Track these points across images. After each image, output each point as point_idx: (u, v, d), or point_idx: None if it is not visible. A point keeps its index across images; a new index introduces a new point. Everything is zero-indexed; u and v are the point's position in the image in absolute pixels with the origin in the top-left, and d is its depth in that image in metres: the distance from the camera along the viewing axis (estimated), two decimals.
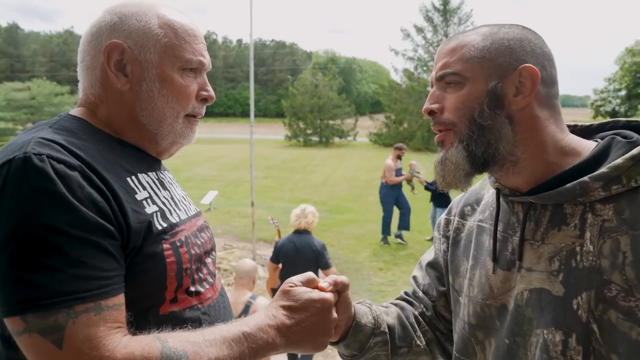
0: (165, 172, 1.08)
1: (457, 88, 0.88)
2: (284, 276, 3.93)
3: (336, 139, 33.98)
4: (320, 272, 3.91)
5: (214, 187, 12.66)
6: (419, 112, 30.60)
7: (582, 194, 0.81)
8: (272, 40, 76.10)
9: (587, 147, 0.88)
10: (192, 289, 0.94)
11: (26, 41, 65.86)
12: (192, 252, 0.95)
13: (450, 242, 1.09)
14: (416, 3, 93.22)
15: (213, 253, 1.06)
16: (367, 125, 37.03)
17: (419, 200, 9.76)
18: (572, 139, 0.89)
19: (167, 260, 0.88)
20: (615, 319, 0.76)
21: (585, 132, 0.97)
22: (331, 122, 34.01)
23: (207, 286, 0.99)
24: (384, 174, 8.32)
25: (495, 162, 0.88)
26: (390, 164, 8.25)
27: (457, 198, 1.14)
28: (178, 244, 0.92)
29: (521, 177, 0.89)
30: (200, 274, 0.98)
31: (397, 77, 34.36)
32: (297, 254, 3.89)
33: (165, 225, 0.91)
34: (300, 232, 4.02)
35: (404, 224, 8.46)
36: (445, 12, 32.35)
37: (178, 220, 0.96)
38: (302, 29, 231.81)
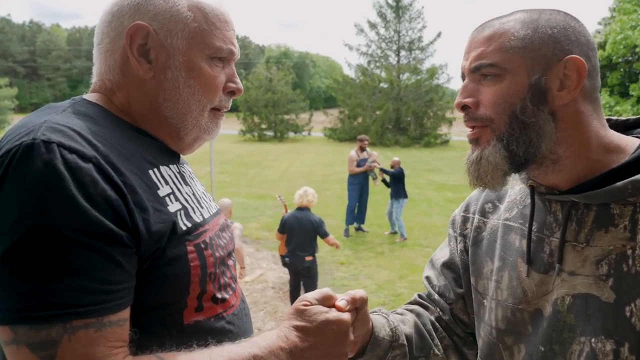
0: (185, 165, 0.99)
1: (495, 81, 0.80)
2: (289, 243, 4.85)
3: (291, 134, 33.85)
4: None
5: None
6: (373, 107, 31.04)
7: (635, 193, 0.75)
8: None
9: (630, 144, 0.83)
10: (218, 295, 0.86)
11: None
12: (217, 254, 0.87)
13: (470, 241, 1.03)
14: None
15: (233, 255, 0.98)
16: (322, 120, 37.10)
17: (376, 194, 9.88)
18: (614, 135, 0.84)
19: (192, 264, 0.80)
20: None
21: (621, 127, 0.91)
22: (286, 116, 33.84)
23: (231, 292, 0.91)
24: (348, 165, 8.72)
25: (534, 160, 0.82)
26: (353, 155, 8.61)
27: (475, 194, 1.07)
28: (202, 245, 0.83)
29: (561, 176, 0.83)
30: (225, 279, 0.90)
31: (350, 73, 34.61)
32: (300, 226, 4.80)
33: (189, 225, 0.82)
34: (302, 209, 4.92)
35: (361, 217, 8.71)
36: (398, 8, 32.81)
37: (202, 219, 0.87)
38: (254, 22, 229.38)
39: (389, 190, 8.53)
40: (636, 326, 0.73)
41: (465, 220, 1.06)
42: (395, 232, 8.53)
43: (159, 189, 0.80)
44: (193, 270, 0.80)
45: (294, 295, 4.98)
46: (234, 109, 39.12)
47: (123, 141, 0.79)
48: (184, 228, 0.81)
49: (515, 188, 0.98)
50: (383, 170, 8.44)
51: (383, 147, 27.87)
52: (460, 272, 1.06)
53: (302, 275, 4.87)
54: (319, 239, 4.99)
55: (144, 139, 0.86)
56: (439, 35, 33.03)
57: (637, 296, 0.74)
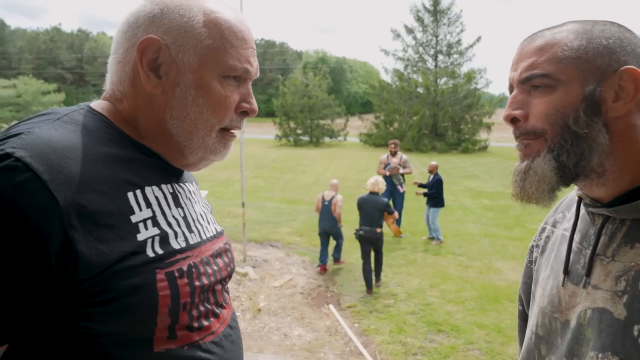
0: (186, 184, 0.95)
1: (547, 92, 0.79)
2: (361, 219, 6.31)
3: (326, 139, 33.91)
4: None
5: (204, 187, 12.54)
6: (409, 113, 30.73)
7: None
8: (262, 40, 76.00)
9: None
10: (195, 324, 0.82)
11: (12, 38, 64.97)
12: (197, 283, 0.82)
13: (540, 250, 1.02)
14: (406, 3, 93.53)
15: (227, 279, 0.94)
16: (357, 126, 37.01)
17: (409, 201, 9.74)
18: None
19: (160, 293, 0.76)
20: None
21: None
22: (321, 122, 33.93)
23: (213, 319, 0.87)
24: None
25: (584, 173, 0.80)
26: (382, 158, 9.12)
27: (558, 203, 1.05)
28: (177, 274, 0.79)
29: (605, 189, 0.81)
30: (206, 305, 0.85)
31: (387, 78, 34.45)
32: (371, 205, 6.31)
33: (161, 252, 0.78)
34: (373, 193, 6.45)
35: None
36: (436, 12, 32.40)
37: (184, 245, 0.83)
38: (292, 28, 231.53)
39: (421, 195, 8.50)
40: None
41: (542, 230, 1.05)
42: (433, 237, 8.41)
43: (133, 213, 0.77)
44: (161, 300, 0.76)
45: (366, 260, 6.17)
46: (271, 114, 39.59)
47: (108, 159, 0.77)
48: (152, 255, 0.77)
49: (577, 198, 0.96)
50: (421, 185, 8.54)
51: (419, 153, 27.54)
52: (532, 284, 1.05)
53: (373, 245, 6.20)
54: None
55: (139, 155, 0.83)
56: (478, 39, 32.45)
57: None
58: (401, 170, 8.82)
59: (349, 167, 19.41)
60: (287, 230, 9.18)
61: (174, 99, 0.83)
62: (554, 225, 1.00)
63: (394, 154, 8.99)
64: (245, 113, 0.90)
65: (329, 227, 6.80)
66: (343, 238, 6.98)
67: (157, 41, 0.81)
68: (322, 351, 4.56)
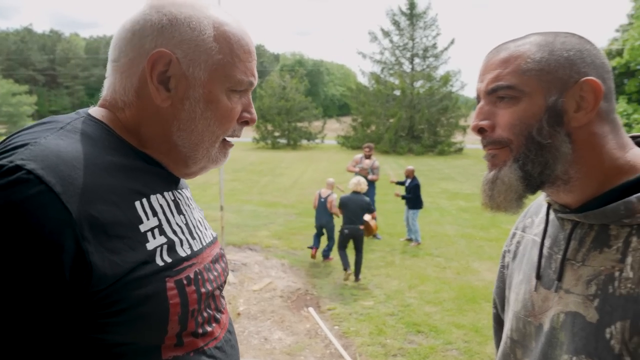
0: (183, 190, 0.95)
1: (512, 103, 0.81)
2: (345, 217, 6.69)
3: (304, 142, 33.93)
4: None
5: None
6: (386, 115, 30.98)
7: (628, 215, 0.75)
8: None
9: None
10: (200, 330, 0.83)
11: None
12: (202, 290, 0.82)
13: (512, 256, 1.04)
14: (383, 7, 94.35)
15: (224, 284, 0.95)
16: (335, 128, 37.11)
17: (388, 203, 9.82)
18: (634, 155, 0.82)
19: (171, 302, 0.76)
20: None
21: None
22: (299, 124, 33.96)
23: (215, 324, 0.88)
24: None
25: (550, 181, 0.82)
26: (356, 157, 9.34)
27: (526, 209, 1.07)
28: (185, 282, 0.79)
29: (572, 195, 0.84)
30: (209, 311, 0.86)
31: (364, 80, 34.66)
32: (354, 204, 6.72)
33: (170, 260, 0.78)
34: (357, 193, 6.85)
35: None
36: (412, 16, 32.78)
37: (189, 252, 0.83)
38: (269, 30, 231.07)
39: (401, 199, 8.62)
40: (614, 349, 0.74)
41: (512, 236, 1.07)
42: (411, 239, 8.48)
43: (142, 222, 0.77)
44: (172, 308, 0.76)
45: (342, 254, 6.64)
46: None
47: (114, 169, 0.77)
48: (161, 264, 0.77)
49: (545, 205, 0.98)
50: (399, 183, 8.73)
51: (396, 155, 27.76)
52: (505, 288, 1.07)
53: (355, 241, 6.59)
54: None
55: (140, 164, 0.83)
56: (452, 42, 32.94)
57: (618, 319, 0.74)
58: (370, 176, 8.96)
59: (327, 169, 19.44)
60: (266, 233, 9.14)
61: (182, 112, 0.83)
62: (523, 231, 1.02)
63: (368, 157, 9.21)
64: (246, 122, 0.91)
65: (325, 223, 7.37)
66: (334, 240, 7.28)
67: (168, 55, 0.80)
68: (302, 354, 4.55)
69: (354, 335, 4.95)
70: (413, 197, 8.39)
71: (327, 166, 20.80)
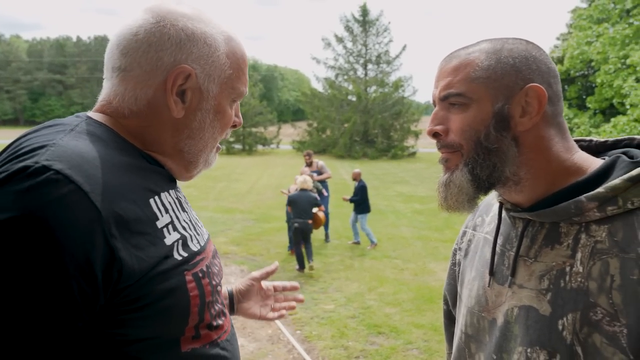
0: (180, 190, 0.98)
1: (462, 109, 0.85)
2: (294, 213, 7.29)
3: (259, 147, 33.76)
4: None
5: None
6: (341, 120, 31.26)
7: (577, 213, 0.80)
8: None
9: (594, 165, 0.85)
10: (214, 322, 0.87)
11: None
12: (214, 282, 0.87)
13: (463, 253, 1.07)
14: (336, 13, 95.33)
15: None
16: (290, 133, 37.15)
17: (344, 207, 9.91)
18: (580, 157, 0.86)
19: (191, 294, 0.80)
20: (599, 343, 0.74)
21: (600, 148, 0.95)
22: (254, 129, 33.76)
23: (224, 318, 0.91)
24: None
25: (499, 182, 0.86)
26: (301, 170, 9.31)
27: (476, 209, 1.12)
28: (200, 274, 0.83)
29: (522, 195, 0.87)
30: (219, 305, 0.90)
31: (318, 86, 34.92)
32: (303, 200, 7.32)
33: (186, 255, 0.82)
34: (304, 190, 7.43)
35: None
36: (365, 23, 33.30)
37: (199, 247, 0.87)
38: None
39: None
40: (566, 339, 0.78)
41: (463, 234, 1.11)
42: (358, 242, 8.60)
43: (158, 219, 0.79)
44: (192, 300, 0.80)
45: (297, 246, 7.25)
46: None
47: (129, 168, 0.79)
48: (179, 258, 0.80)
49: (497, 204, 1.02)
50: (350, 200, 8.67)
51: (351, 159, 28.05)
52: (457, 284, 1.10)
53: (305, 234, 7.20)
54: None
55: (148, 164, 0.85)
56: (404, 48, 33.69)
57: (569, 311, 0.78)
58: (318, 177, 9.03)
59: (282, 174, 19.41)
60: (223, 239, 9.02)
61: (194, 122, 0.87)
62: (474, 229, 1.06)
63: (309, 164, 9.32)
64: (234, 126, 0.96)
65: None
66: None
67: (189, 70, 0.84)
68: None
69: (316, 339, 4.96)
70: (360, 200, 8.51)
71: (283, 171, 20.76)
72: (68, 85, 66.95)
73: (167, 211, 0.82)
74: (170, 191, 0.88)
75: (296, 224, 7.18)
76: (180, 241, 0.82)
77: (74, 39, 72.88)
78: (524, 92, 0.82)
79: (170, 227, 0.81)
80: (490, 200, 1.05)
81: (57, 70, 68.49)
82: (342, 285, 6.55)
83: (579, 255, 0.79)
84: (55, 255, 0.65)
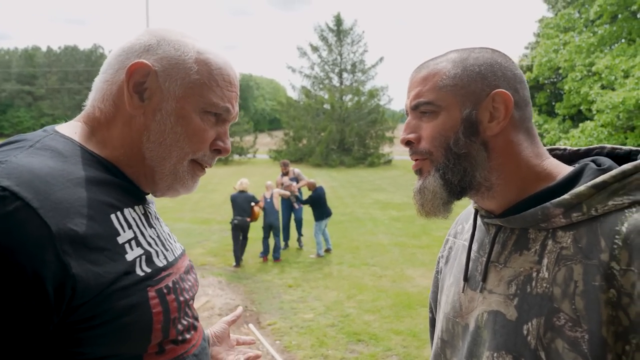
0: (151, 204, 0.96)
1: (432, 117, 0.87)
2: (235, 212, 8.17)
3: (236, 157, 33.58)
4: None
5: None
6: (317, 129, 31.36)
7: (544, 220, 0.81)
8: None
9: (564, 172, 0.86)
10: (180, 337, 0.85)
11: None
12: (181, 298, 0.85)
13: (445, 260, 1.09)
14: (311, 22, 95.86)
15: (195, 294, 0.96)
16: (267, 142, 37.09)
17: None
18: (550, 164, 0.88)
19: (153, 310, 0.78)
20: (561, 348, 0.75)
21: (573, 156, 0.97)
22: (230, 139, 33.55)
23: (193, 332, 0.90)
24: None
25: (471, 188, 0.87)
26: (277, 179, 9.55)
27: (458, 216, 1.12)
28: (165, 290, 0.81)
29: (495, 201, 0.89)
30: (187, 319, 0.88)
31: (294, 95, 34.97)
32: (241, 200, 8.20)
33: (149, 270, 0.80)
34: (242, 192, 8.29)
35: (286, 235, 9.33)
36: (339, 32, 33.61)
37: (166, 263, 0.86)
38: None
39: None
40: (531, 344, 0.79)
41: (446, 242, 1.12)
42: (324, 253, 8.59)
43: (119, 235, 0.78)
44: (155, 317, 0.78)
45: (235, 243, 8.08)
46: None
47: (88, 183, 0.77)
48: (142, 274, 0.78)
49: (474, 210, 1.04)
50: (300, 201, 8.95)
51: (328, 167, 28.12)
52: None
53: (242, 231, 8.09)
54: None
55: (112, 178, 0.84)
56: (381, 59, 34.10)
57: (534, 316, 0.79)
58: (296, 185, 9.16)
59: (260, 183, 19.27)
60: (200, 251, 8.92)
61: (153, 123, 0.86)
62: (455, 237, 1.07)
63: (285, 173, 9.40)
64: (218, 151, 0.93)
65: (274, 220, 8.42)
66: (280, 238, 8.63)
67: (147, 66, 0.84)
68: None
69: (296, 348, 4.93)
70: (313, 206, 8.64)
71: (260, 180, 20.64)
72: (38, 97, 65.51)
73: (130, 227, 0.81)
74: (136, 207, 0.87)
75: (235, 221, 8.04)
76: (144, 257, 0.81)
77: (44, 49, 71.56)
78: (490, 98, 0.85)
79: (133, 242, 0.80)
80: (471, 208, 1.07)
81: (26, 81, 66.95)
82: (321, 294, 6.54)
83: (545, 261, 0.80)
84: (3, 272, 0.63)
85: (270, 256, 8.39)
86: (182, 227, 10.94)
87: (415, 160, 0.90)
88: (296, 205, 9.12)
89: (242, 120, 34.81)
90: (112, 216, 0.78)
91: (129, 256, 0.78)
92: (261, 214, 8.47)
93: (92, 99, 0.89)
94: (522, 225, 0.84)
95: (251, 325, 5.46)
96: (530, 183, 0.86)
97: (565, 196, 0.79)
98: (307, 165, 28.26)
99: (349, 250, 8.97)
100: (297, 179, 9.36)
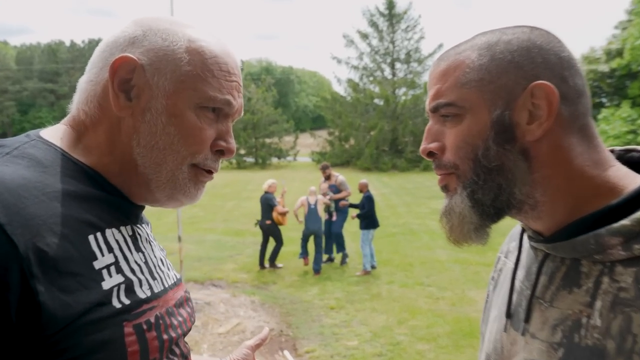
0: (143, 225, 0.96)
1: (456, 121, 0.79)
2: (261, 212, 9.15)
3: (274, 160, 34.06)
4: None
5: None
6: (366, 127, 31.34)
7: (599, 251, 0.72)
8: None
9: (635, 185, 0.75)
10: None
11: None
12: (165, 337, 0.83)
13: (494, 284, 1.01)
14: (358, 7, 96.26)
15: (188, 332, 0.94)
16: (309, 143, 37.37)
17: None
18: (616, 174, 0.77)
19: (129, 349, 0.76)
20: None
21: None
22: (268, 140, 34.13)
23: None
24: None
25: (510, 207, 0.79)
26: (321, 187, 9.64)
27: (512, 230, 1.04)
28: (145, 326, 0.79)
29: (542, 222, 0.80)
30: (172, 358, 0.86)
31: (340, 89, 35.21)
32: (263, 202, 9.09)
33: (128, 302, 0.78)
34: (267, 193, 9.07)
35: (328, 248, 9.47)
36: (391, 16, 33.53)
37: (150, 294, 0.84)
38: (228, 34, 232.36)
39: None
40: None
41: (497, 260, 1.04)
42: (369, 270, 8.54)
43: (96, 259, 0.77)
44: (130, 356, 0.76)
45: (262, 244, 9.13)
46: None
47: (66, 198, 0.77)
48: (118, 306, 0.76)
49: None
50: (352, 206, 9.01)
51: (379, 172, 28.00)
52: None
53: (265, 233, 9.02)
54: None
55: (97, 192, 0.83)
56: (440, 47, 33.71)
57: None
58: (334, 196, 9.13)
59: (300, 190, 19.43)
60: (232, 266, 9.07)
61: (143, 125, 0.84)
62: (506, 256, 0.99)
63: (327, 177, 9.40)
64: (221, 152, 0.90)
65: (317, 229, 8.77)
66: (322, 249, 8.92)
67: (133, 61, 0.83)
68: None
69: None
70: (367, 213, 8.59)
71: (301, 186, 20.80)
72: (60, 95, 68.70)
73: (110, 250, 0.80)
74: (123, 227, 0.85)
75: (259, 222, 9.04)
76: (123, 286, 0.79)
77: (67, 44, 75.08)
78: (528, 93, 0.75)
79: (112, 268, 0.78)
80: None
81: (48, 79, 70.45)
82: (367, 318, 6.50)
83: (598, 304, 0.72)
84: None
85: (310, 265, 8.78)
86: (213, 239, 11.16)
87: (439, 175, 0.83)
88: (333, 217, 9.22)
89: (280, 118, 35.26)
90: (91, 237, 0.77)
91: (106, 284, 0.76)
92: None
93: (77, 102, 0.89)
94: (572, 255, 0.76)
95: (286, 352, 5.48)
96: (586, 200, 0.76)
97: (624, 222, 0.70)
98: (355, 169, 28.27)
99: (400, 267, 8.88)
100: (338, 189, 9.30)
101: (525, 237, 0.89)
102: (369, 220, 8.61)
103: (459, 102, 0.78)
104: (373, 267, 8.66)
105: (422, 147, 0.84)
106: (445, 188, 0.84)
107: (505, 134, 0.76)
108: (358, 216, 8.70)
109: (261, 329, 6.15)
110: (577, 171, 0.76)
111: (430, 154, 0.83)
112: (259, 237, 11.25)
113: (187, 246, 8.85)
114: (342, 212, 9.16)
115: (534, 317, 0.80)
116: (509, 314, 0.86)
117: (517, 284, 0.87)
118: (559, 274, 0.78)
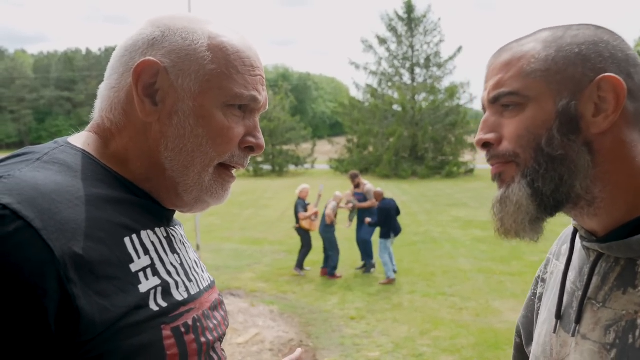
0: (177, 227, 0.97)
1: (517, 111, 0.80)
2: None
3: (291, 167, 34.11)
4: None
5: None
6: (385, 134, 31.27)
7: None
8: None
9: None
10: None
11: None
12: (202, 339, 0.83)
13: (545, 286, 1.02)
14: (377, 11, 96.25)
15: (224, 336, 0.95)
16: (327, 150, 37.42)
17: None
18: None
19: (168, 352, 0.76)
20: None
21: None
22: (285, 147, 34.20)
23: None
24: None
25: (568, 201, 0.79)
26: (346, 194, 9.93)
27: (563, 231, 1.05)
28: (183, 329, 0.80)
29: (597, 220, 0.81)
30: None
31: (358, 95, 35.12)
32: (295, 207, 9.62)
33: (165, 305, 0.79)
34: (299, 198, 9.55)
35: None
36: (410, 20, 33.51)
37: (187, 296, 0.84)
38: None
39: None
40: None
41: (547, 262, 1.05)
42: (390, 278, 8.51)
43: (132, 261, 0.77)
44: (169, 359, 0.77)
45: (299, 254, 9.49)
46: None
47: (99, 201, 0.78)
48: (156, 309, 0.77)
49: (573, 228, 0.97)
50: (370, 224, 8.94)
51: (398, 179, 27.91)
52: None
53: (300, 237, 9.46)
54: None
55: (128, 196, 0.84)
56: (459, 50, 33.60)
57: None
58: (358, 204, 9.36)
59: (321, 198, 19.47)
60: (251, 275, 9.09)
61: (170, 129, 0.85)
62: (557, 258, 1.01)
63: (356, 186, 9.60)
64: (250, 149, 0.91)
65: (321, 231, 9.08)
66: (329, 254, 9.09)
67: (156, 64, 0.83)
68: None
69: None
70: (380, 222, 8.65)
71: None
72: (77, 103, 69.76)
73: (147, 252, 0.81)
74: (157, 229, 0.86)
75: (296, 228, 9.63)
76: (160, 288, 0.79)
77: (83, 52, 76.28)
78: (595, 85, 0.76)
79: (149, 271, 0.79)
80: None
81: (65, 87, 71.61)
82: (389, 328, 6.47)
83: None
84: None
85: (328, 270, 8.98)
86: (231, 248, 11.21)
87: (494, 165, 0.84)
88: (346, 225, 9.54)
89: (298, 125, 35.33)
90: (127, 239, 0.78)
91: (143, 287, 0.77)
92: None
93: (100, 109, 0.89)
94: (627, 255, 0.76)
95: None
96: None
97: None
98: (374, 177, 28.21)
99: (422, 276, 8.82)
100: (365, 197, 9.37)
101: (577, 238, 0.89)
102: (385, 229, 8.63)
103: (523, 92, 0.79)
104: (391, 280, 8.62)
105: (477, 138, 0.85)
106: (498, 177, 0.84)
107: (570, 124, 0.77)
108: (370, 225, 8.79)
109: (280, 339, 6.18)
110: (638, 169, 0.77)
111: (485, 144, 0.84)
112: (277, 246, 11.32)
113: (204, 255, 8.92)
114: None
115: (585, 318, 0.81)
116: (559, 315, 0.87)
117: (569, 285, 0.88)
118: (613, 274, 0.79)
